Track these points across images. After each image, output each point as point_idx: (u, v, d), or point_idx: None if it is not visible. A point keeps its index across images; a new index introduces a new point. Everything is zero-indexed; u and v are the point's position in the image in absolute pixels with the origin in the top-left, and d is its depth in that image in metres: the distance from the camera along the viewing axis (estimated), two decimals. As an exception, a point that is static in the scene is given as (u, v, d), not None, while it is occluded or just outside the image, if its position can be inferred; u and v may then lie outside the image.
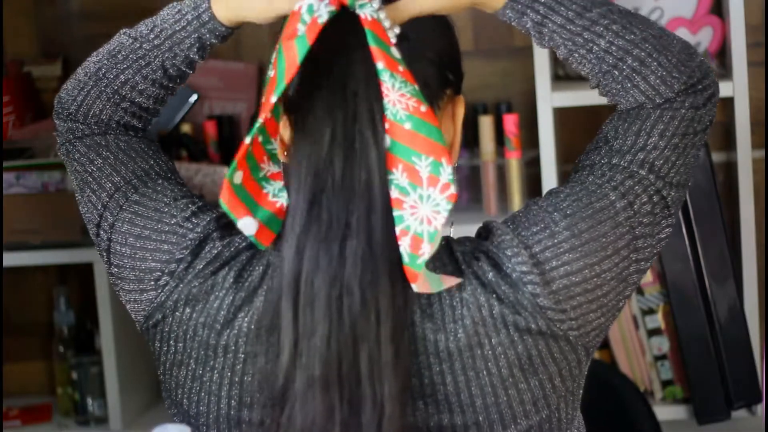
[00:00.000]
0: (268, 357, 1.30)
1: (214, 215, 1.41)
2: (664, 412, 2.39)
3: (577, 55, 1.39)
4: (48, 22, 2.79)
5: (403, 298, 1.29)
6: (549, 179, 2.42)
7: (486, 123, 2.50)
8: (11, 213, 2.54)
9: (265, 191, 1.35)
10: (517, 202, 2.51)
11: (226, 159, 2.58)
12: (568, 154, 2.62)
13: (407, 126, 1.27)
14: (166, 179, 1.45)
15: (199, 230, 1.39)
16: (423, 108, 1.27)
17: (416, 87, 1.28)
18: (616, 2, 1.39)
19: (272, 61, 1.31)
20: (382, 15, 1.30)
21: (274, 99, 1.29)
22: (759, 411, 2.42)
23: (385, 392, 1.26)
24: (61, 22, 2.79)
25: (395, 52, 1.28)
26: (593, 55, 1.38)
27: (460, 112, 1.41)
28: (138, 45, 1.43)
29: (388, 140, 1.28)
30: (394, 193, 1.28)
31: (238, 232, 1.39)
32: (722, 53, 2.52)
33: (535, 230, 1.35)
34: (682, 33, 2.52)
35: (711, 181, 2.34)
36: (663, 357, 2.45)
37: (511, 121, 2.48)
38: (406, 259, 1.28)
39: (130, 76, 1.44)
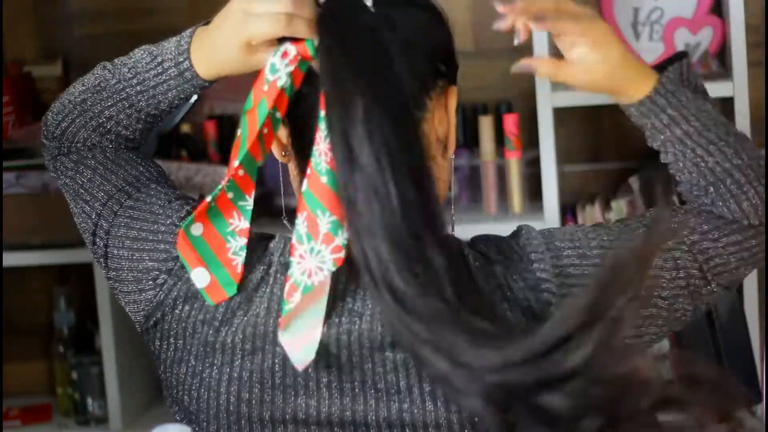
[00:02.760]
0: None
1: None
2: (664, 412, 2.38)
3: (681, 165, 1.42)
4: (48, 22, 2.79)
5: None
6: (549, 179, 2.42)
7: (486, 123, 2.50)
8: (11, 213, 2.54)
9: (227, 246, 1.37)
10: (517, 202, 2.50)
11: (226, 159, 2.57)
12: (568, 154, 2.62)
13: (323, 179, 1.29)
14: (158, 183, 1.46)
15: None
16: None
17: None
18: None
19: (239, 126, 1.34)
20: None
21: (236, 163, 1.32)
22: (759, 411, 2.42)
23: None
24: (61, 22, 2.79)
25: None
26: (697, 169, 1.41)
27: (453, 102, 1.41)
28: (121, 87, 1.44)
29: (304, 185, 1.31)
30: (293, 238, 1.31)
31: None
32: (722, 53, 2.52)
33: (569, 245, 1.37)
34: (682, 33, 2.52)
35: (711, 181, 2.34)
36: (663, 357, 2.45)
37: (511, 121, 2.48)
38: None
39: (114, 113, 1.45)
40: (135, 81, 1.42)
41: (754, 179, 1.41)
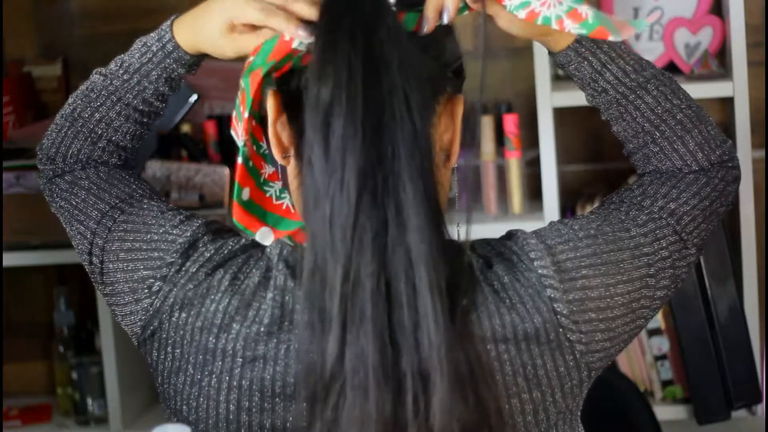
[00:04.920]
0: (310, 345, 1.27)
1: (203, 221, 1.42)
2: (664, 412, 2.39)
3: (623, 112, 1.43)
4: (48, 22, 2.79)
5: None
6: (549, 179, 2.42)
7: (486, 123, 2.50)
8: (11, 213, 2.54)
9: (267, 195, 1.37)
10: (517, 202, 2.50)
11: (226, 159, 2.58)
12: (568, 154, 2.63)
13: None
14: (150, 198, 1.47)
15: (188, 234, 1.40)
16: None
17: None
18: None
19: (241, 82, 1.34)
20: None
21: (247, 114, 1.32)
22: (759, 411, 2.42)
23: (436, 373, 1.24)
24: (61, 22, 2.79)
25: None
26: (639, 113, 1.42)
27: (460, 110, 1.41)
28: (108, 82, 1.47)
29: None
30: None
31: (229, 237, 1.40)
32: (722, 53, 2.52)
33: (559, 241, 1.37)
34: (682, 33, 2.53)
35: (711, 181, 2.34)
36: (663, 357, 2.45)
37: (511, 121, 2.48)
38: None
39: (104, 114, 1.48)
40: (121, 71, 1.47)
41: (695, 118, 1.43)
